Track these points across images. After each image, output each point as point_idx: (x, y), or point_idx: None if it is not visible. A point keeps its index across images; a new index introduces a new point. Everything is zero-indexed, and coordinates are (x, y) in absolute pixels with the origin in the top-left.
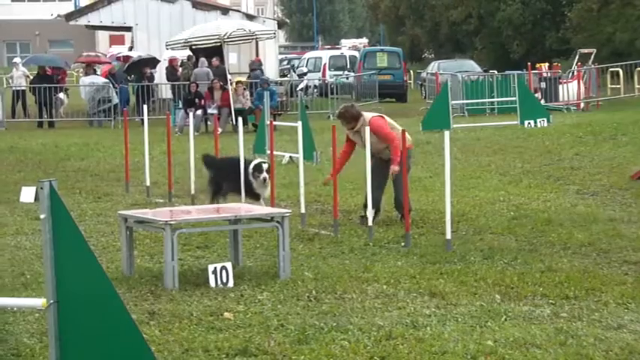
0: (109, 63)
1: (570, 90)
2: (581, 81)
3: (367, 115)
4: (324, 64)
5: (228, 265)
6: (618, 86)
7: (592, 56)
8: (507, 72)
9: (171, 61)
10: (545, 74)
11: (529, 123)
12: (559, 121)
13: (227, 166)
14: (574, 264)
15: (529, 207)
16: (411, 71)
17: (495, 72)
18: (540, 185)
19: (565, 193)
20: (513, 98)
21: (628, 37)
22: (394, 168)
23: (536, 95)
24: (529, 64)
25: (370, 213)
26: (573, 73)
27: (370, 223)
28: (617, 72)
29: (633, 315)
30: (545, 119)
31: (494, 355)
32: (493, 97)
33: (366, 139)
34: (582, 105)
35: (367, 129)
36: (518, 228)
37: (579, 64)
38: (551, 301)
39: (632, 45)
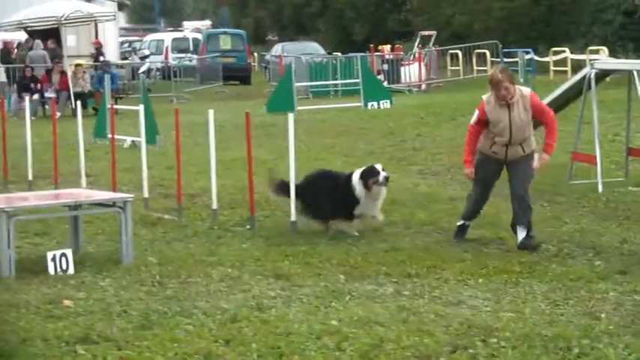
0: None
1: (412, 72)
2: (422, 63)
3: (521, 87)
4: (167, 47)
5: (68, 252)
6: (458, 68)
7: (432, 38)
8: (350, 54)
9: (5, 43)
10: (387, 56)
11: (372, 105)
12: (401, 103)
13: (323, 183)
14: (416, 243)
15: None
16: (255, 53)
17: (339, 54)
18: (384, 166)
19: (408, 174)
20: (357, 80)
21: (467, 20)
22: (545, 157)
23: (378, 77)
24: (372, 46)
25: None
26: (415, 55)
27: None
28: (457, 54)
29: (472, 291)
30: (387, 101)
31: (339, 334)
32: (337, 80)
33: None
34: (424, 86)
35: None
36: None
37: (420, 46)
38: (393, 279)
39: (470, 27)
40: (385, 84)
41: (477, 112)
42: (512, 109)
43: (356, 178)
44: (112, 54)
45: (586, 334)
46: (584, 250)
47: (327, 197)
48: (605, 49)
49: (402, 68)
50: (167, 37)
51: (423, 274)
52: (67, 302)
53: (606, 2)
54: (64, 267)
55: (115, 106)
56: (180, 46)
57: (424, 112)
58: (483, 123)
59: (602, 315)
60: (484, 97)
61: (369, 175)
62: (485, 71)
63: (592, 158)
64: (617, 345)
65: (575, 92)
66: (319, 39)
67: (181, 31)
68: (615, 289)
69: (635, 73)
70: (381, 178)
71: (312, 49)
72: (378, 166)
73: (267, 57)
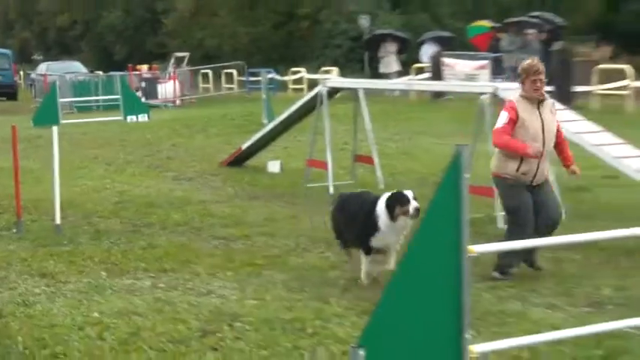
0: None
1: (168, 89)
2: (176, 81)
3: None
4: None
5: None
6: (209, 85)
7: (186, 59)
8: (111, 73)
9: None
10: (145, 75)
11: (131, 118)
12: (158, 117)
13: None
14: (172, 241)
15: (132, 193)
16: (22, 72)
17: (100, 73)
18: (142, 173)
19: (163, 180)
20: (117, 96)
21: (216, 43)
22: (575, 169)
23: (137, 93)
24: (130, 65)
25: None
26: (170, 74)
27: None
28: (207, 73)
29: (221, 282)
30: (145, 115)
31: (100, 324)
32: (99, 95)
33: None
34: (178, 102)
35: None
36: (122, 211)
37: (175, 65)
38: (151, 274)
39: (220, 49)
40: (143, 100)
41: (505, 114)
42: (543, 109)
43: (381, 204)
44: None
45: (318, 316)
46: (318, 243)
47: (350, 222)
48: (336, 69)
49: (159, 85)
50: None
51: (177, 268)
52: None
53: (337, 30)
54: None
55: None
56: None
57: (178, 125)
58: (513, 124)
59: (332, 299)
60: (511, 98)
61: (398, 202)
62: (232, 89)
63: (324, 164)
64: (344, 324)
65: (310, 107)
66: (82, 59)
67: None
68: (343, 277)
69: (360, 91)
70: (411, 209)
71: (75, 68)
72: (409, 194)
73: (33, 75)
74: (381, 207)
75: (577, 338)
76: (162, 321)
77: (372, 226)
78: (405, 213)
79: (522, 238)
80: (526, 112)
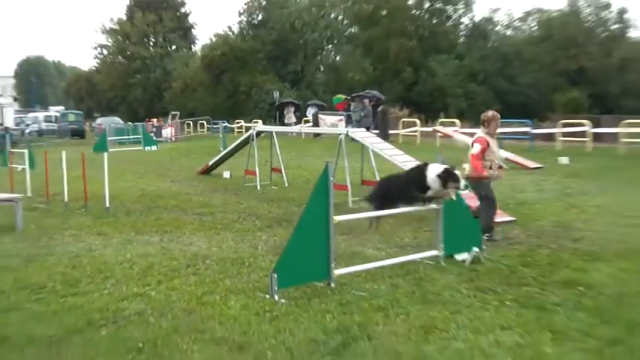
0: None
1: (167, 132)
2: (172, 127)
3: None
4: (41, 119)
5: None
6: (190, 130)
7: (177, 115)
8: (137, 123)
9: None
10: (155, 124)
11: (148, 148)
12: (162, 148)
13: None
14: (170, 215)
15: (148, 189)
16: (88, 123)
17: (130, 123)
18: (153, 178)
19: (165, 182)
20: (139, 136)
21: (194, 105)
22: (501, 173)
23: (151, 134)
24: (147, 119)
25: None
26: (169, 123)
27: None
28: (190, 123)
29: (197, 238)
30: (155, 146)
31: (131, 261)
32: (129, 135)
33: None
34: (173, 139)
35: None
36: (142, 200)
37: (171, 119)
38: (158, 233)
39: (196, 110)
40: (154, 138)
41: (479, 146)
42: (494, 139)
43: (432, 172)
44: (10, 123)
45: (252, 256)
46: (252, 216)
47: (397, 187)
48: (260, 120)
49: (163, 130)
50: (41, 114)
51: (173, 230)
52: None
53: (260, 99)
54: None
55: (12, 150)
56: (48, 119)
57: (174, 152)
58: (483, 152)
59: (259, 247)
60: (482, 135)
61: (451, 178)
62: (203, 132)
63: (254, 172)
64: (266, 260)
65: (246, 141)
66: (120, 115)
67: (49, 111)
68: (266, 235)
69: (274, 133)
70: (462, 185)
71: (117, 121)
72: (458, 173)
73: (94, 124)
74: (432, 174)
75: (391, 265)
76: (165, 259)
77: (423, 186)
78: (457, 187)
79: (494, 211)
80: (492, 142)
